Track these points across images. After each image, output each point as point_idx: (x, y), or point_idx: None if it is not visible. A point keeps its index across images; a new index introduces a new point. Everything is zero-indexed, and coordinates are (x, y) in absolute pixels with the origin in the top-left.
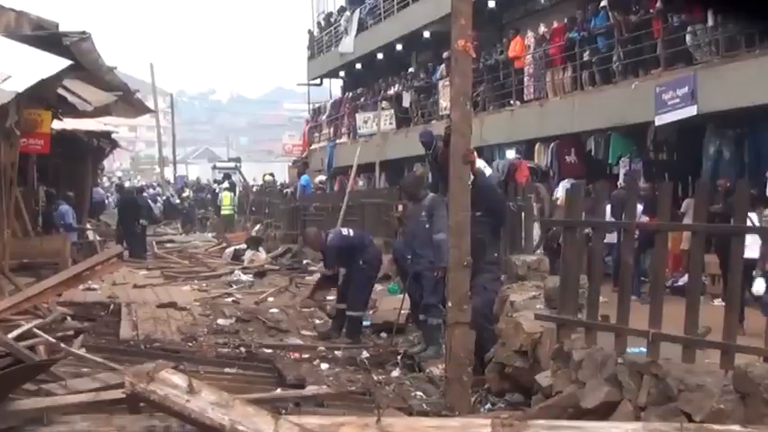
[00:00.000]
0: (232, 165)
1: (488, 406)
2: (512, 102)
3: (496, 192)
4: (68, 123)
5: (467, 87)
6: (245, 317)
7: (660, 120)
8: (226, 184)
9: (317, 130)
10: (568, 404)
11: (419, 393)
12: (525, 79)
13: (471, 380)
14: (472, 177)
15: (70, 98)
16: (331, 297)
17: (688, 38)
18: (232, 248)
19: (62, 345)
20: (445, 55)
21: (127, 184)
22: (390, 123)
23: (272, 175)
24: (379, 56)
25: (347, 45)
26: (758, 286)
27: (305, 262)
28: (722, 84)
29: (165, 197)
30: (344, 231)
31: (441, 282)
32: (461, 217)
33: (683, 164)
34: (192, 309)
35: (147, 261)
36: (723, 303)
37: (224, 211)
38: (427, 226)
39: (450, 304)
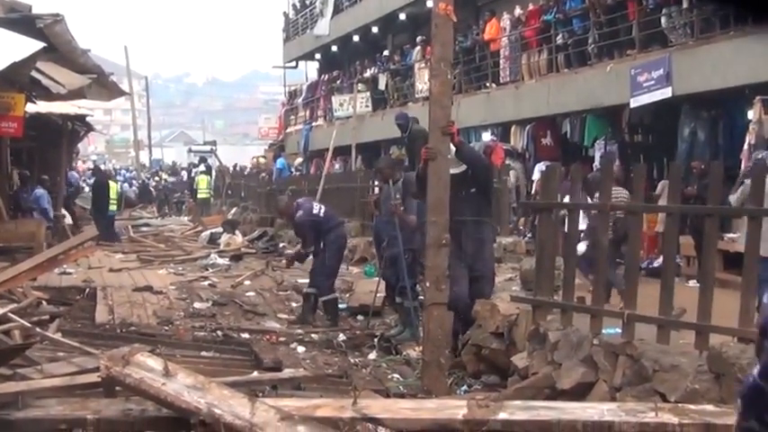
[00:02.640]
0: (208, 148)
1: (465, 388)
2: (487, 84)
3: (481, 156)
4: (42, 106)
5: (448, 54)
6: (222, 300)
7: (635, 102)
8: (202, 168)
9: (293, 112)
10: (544, 385)
11: (396, 376)
12: (501, 62)
13: (449, 362)
14: (454, 149)
15: (44, 81)
16: (303, 280)
17: (663, 20)
18: (208, 232)
19: (37, 329)
20: (419, 39)
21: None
22: (366, 106)
23: (264, 157)
24: (355, 38)
25: (322, 27)
26: (580, 247)
27: (281, 245)
28: (697, 65)
29: (140, 181)
30: (315, 209)
31: (414, 264)
32: (440, 193)
33: (658, 146)
34: (168, 292)
35: (121, 245)
36: (698, 284)
37: (200, 195)
38: (402, 209)
39: (427, 284)
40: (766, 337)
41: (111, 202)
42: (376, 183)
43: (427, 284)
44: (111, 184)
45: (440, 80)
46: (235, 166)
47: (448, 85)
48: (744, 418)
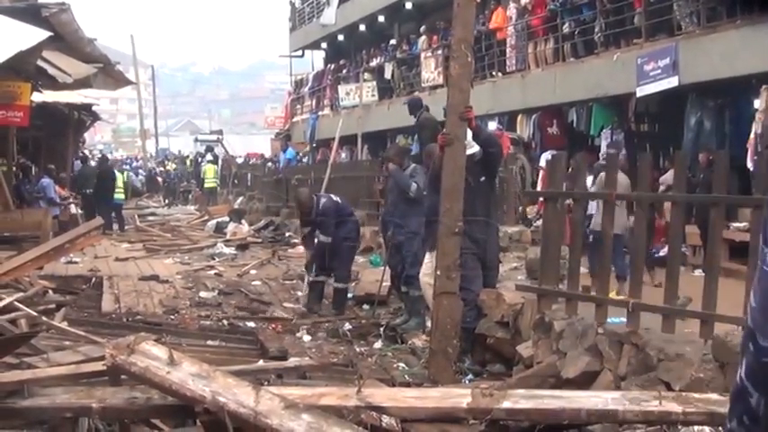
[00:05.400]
0: (214, 137)
1: (470, 377)
2: (494, 73)
3: (497, 140)
4: (48, 96)
5: (469, 36)
6: (228, 290)
7: (642, 91)
8: (209, 157)
9: (300, 102)
10: (549, 374)
11: (401, 365)
12: (507, 51)
13: (456, 351)
14: (471, 134)
15: (50, 70)
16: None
17: (675, 7)
18: (214, 221)
19: (43, 318)
20: (422, 29)
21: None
22: (372, 95)
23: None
24: (361, 27)
25: (329, 16)
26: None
27: (287, 234)
28: (704, 54)
29: (147, 170)
30: (334, 197)
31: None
32: (456, 179)
33: (664, 135)
34: (174, 282)
35: (126, 234)
36: (703, 274)
37: (207, 184)
38: (410, 194)
39: (438, 273)
40: (752, 338)
41: (118, 190)
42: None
43: (438, 273)
44: (117, 174)
45: (460, 62)
46: (245, 159)
47: (468, 67)
48: (728, 419)
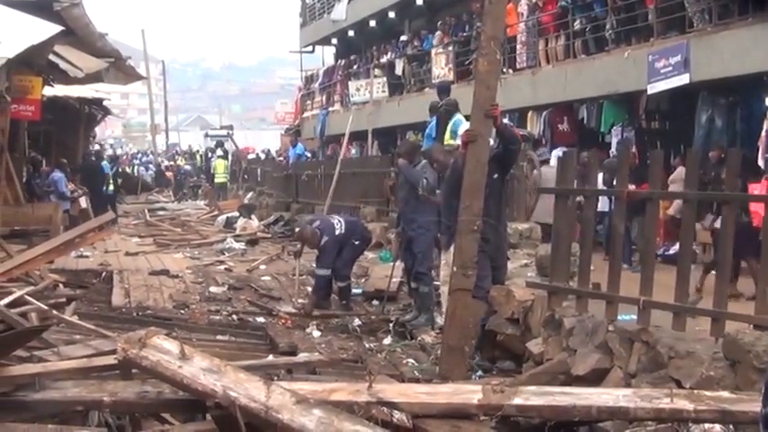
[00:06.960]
0: (224, 133)
1: (479, 373)
2: (504, 70)
3: (518, 137)
4: (60, 90)
5: (499, 32)
6: (238, 285)
7: (653, 88)
8: (219, 152)
9: (310, 97)
10: (559, 371)
11: (411, 361)
12: (518, 47)
13: (471, 349)
14: (494, 132)
15: (61, 64)
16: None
17: (687, 4)
18: (224, 216)
19: (54, 312)
20: (440, 24)
21: (110, 152)
22: (383, 91)
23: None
24: (372, 23)
25: (339, 12)
26: None
27: (297, 230)
28: (715, 52)
29: (156, 165)
30: (336, 228)
31: (430, 248)
32: (477, 177)
33: (675, 132)
34: (184, 276)
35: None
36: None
37: (218, 179)
38: (420, 190)
39: (454, 269)
40: None
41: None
42: (393, 168)
43: (454, 269)
44: (104, 164)
45: (488, 59)
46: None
47: (496, 64)
48: (763, 404)
